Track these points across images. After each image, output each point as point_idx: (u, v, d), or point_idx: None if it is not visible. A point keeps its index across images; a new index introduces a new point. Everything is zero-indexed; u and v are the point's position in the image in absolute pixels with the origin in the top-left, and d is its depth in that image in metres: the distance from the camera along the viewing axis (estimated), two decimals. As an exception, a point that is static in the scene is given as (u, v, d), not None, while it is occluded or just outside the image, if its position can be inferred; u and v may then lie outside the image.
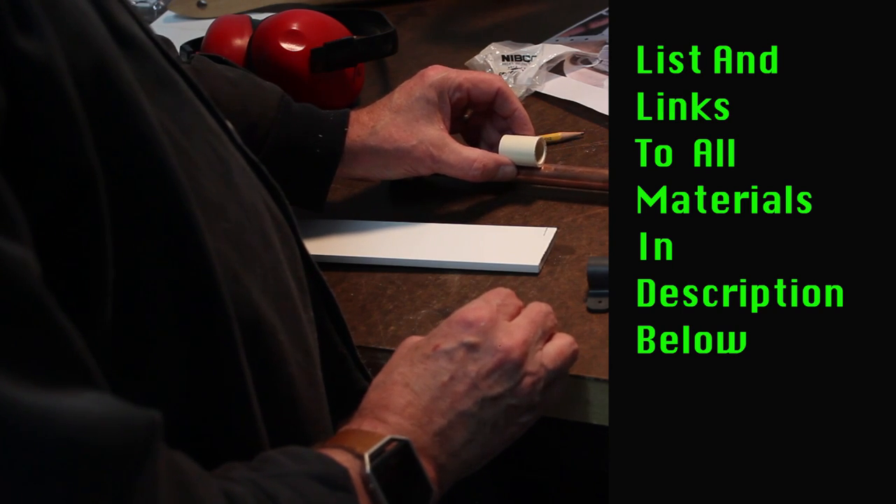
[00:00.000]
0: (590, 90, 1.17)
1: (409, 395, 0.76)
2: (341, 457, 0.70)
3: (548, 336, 0.82)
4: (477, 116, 1.08)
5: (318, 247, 1.01)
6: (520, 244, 0.97)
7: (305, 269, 0.81)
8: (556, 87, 1.19)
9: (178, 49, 1.24)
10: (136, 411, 0.55)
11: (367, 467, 0.70)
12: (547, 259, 0.95)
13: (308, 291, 0.80)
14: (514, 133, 1.05)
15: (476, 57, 1.24)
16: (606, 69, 1.20)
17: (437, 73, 1.03)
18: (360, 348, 0.87)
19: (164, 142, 0.63)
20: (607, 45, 1.25)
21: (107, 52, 0.61)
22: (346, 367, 0.80)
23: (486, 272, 0.96)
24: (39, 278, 0.52)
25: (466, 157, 1.02)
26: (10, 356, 0.51)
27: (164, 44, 0.96)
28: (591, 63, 1.22)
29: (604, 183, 1.00)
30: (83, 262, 0.58)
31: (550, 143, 1.09)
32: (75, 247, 0.58)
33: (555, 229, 0.98)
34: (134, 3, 1.55)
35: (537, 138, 1.03)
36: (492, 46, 1.24)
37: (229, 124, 0.78)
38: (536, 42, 1.26)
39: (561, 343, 0.82)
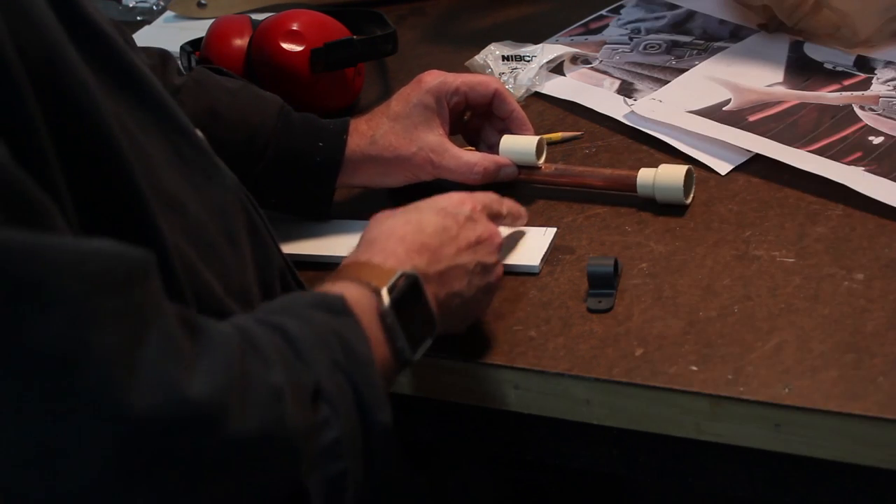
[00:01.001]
0: (590, 90, 1.17)
1: (420, 235, 0.80)
2: (356, 291, 0.72)
3: None
4: (475, 118, 1.07)
5: (318, 247, 1.01)
6: (520, 244, 0.97)
7: (292, 277, 0.83)
8: (556, 87, 1.19)
9: (178, 49, 1.24)
10: (130, 246, 0.57)
11: (386, 302, 0.73)
12: (547, 259, 0.95)
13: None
14: (513, 133, 1.05)
15: (476, 57, 1.24)
16: (606, 69, 1.20)
17: (433, 79, 1.02)
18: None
19: (111, 122, 0.64)
20: (607, 45, 1.24)
21: (51, 32, 0.62)
22: None
23: (486, 272, 0.95)
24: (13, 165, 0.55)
25: (467, 161, 1.01)
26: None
27: (158, 58, 0.97)
28: (591, 63, 1.22)
29: (604, 182, 1.00)
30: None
31: (550, 143, 1.08)
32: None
33: (555, 229, 0.98)
34: (133, 3, 1.55)
35: (537, 138, 1.03)
36: (492, 46, 1.24)
37: (199, 133, 0.79)
38: (536, 42, 1.26)
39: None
